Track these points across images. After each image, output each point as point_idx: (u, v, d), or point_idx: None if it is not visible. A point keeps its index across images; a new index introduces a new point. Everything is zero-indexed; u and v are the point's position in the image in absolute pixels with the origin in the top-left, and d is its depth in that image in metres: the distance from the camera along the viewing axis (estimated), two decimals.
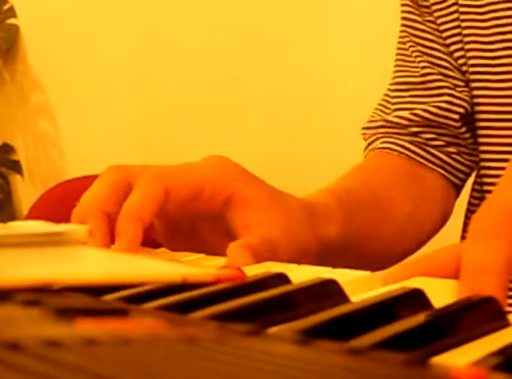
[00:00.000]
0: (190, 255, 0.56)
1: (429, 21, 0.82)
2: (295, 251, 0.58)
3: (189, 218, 0.59)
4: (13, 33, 2.52)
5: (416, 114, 0.80)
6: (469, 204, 0.83)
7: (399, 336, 0.30)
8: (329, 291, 0.38)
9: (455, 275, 0.42)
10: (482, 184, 0.79)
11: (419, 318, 0.33)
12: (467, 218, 0.83)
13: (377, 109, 0.84)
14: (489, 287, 0.40)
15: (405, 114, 0.80)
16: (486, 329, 0.33)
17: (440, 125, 0.80)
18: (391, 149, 0.80)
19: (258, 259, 0.53)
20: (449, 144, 0.80)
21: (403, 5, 0.84)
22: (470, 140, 0.81)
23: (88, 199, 0.58)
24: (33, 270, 0.41)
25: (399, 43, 0.85)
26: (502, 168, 0.76)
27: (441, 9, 0.80)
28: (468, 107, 0.79)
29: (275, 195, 0.60)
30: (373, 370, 0.23)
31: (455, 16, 0.79)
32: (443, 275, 0.42)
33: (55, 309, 0.29)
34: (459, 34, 0.79)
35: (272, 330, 0.31)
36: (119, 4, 2.33)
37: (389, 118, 0.82)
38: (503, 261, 0.41)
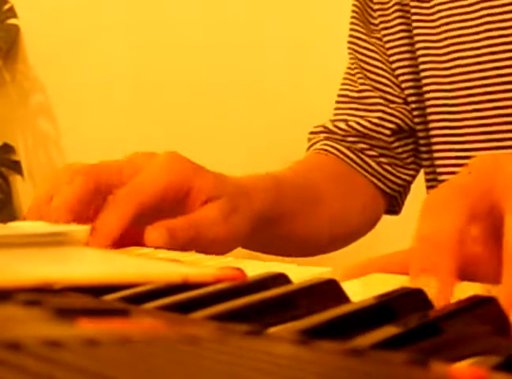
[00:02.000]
0: (190, 255, 0.56)
1: (375, 38, 0.85)
2: (227, 231, 0.64)
3: (154, 211, 0.63)
4: (13, 33, 2.52)
5: (350, 126, 0.84)
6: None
7: (399, 336, 0.30)
8: (329, 291, 0.38)
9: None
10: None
11: (419, 318, 0.33)
12: None
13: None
14: (439, 257, 0.38)
15: (341, 124, 0.85)
16: (486, 329, 0.34)
17: (372, 138, 0.84)
18: (329, 151, 0.85)
19: (175, 238, 0.59)
20: (381, 155, 0.84)
21: (351, 22, 0.88)
22: (404, 155, 0.85)
23: (61, 200, 0.62)
24: (33, 270, 0.41)
25: (348, 58, 0.89)
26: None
27: (388, 28, 0.84)
28: (402, 123, 0.83)
29: (220, 184, 0.66)
30: (373, 370, 0.23)
31: (403, 34, 0.83)
32: (399, 273, 0.42)
33: (56, 309, 0.29)
34: (407, 51, 0.83)
35: (272, 330, 0.31)
36: (119, 4, 2.33)
37: (328, 125, 0.87)
38: (455, 233, 0.40)
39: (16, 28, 2.52)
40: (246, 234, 0.66)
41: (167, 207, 0.63)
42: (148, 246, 0.60)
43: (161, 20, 2.25)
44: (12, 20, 2.51)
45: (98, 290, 0.37)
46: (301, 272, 0.44)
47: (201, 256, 0.56)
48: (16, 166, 2.59)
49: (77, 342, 0.24)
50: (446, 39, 0.78)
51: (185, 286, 0.38)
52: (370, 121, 0.83)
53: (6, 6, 2.51)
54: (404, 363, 0.23)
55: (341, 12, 1.84)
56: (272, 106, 2.02)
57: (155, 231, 0.60)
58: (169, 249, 0.59)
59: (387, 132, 0.83)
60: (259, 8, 2.07)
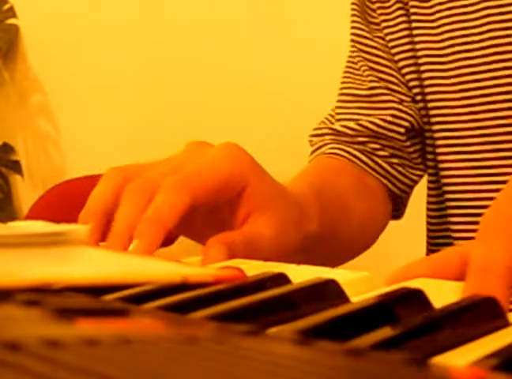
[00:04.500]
0: (190, 256, 0.56)
1: (378, 37, 0.84)
2: (281, 249, 0.60)
3: (206, 206, 0.59)
4: (13, 33, 2.52)
5: (361, 125, 0.82)
6: (428, 209, 0.85)
7: (399, 336, 0.30)
8: (329, 291, 0.38)
9: (459, 275, 0.42)
10: (442, 188, 0.81)
11: (419, 318, 0.33)
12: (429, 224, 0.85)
13: (323, 120, 0.87)
14: (493, 286, 0.40)
15: (351, 124, 0.82)
16: (486, 329, 0.33)
17: (385, 138, 0.82)
18: (340, 155, 0.82)
19: (233, 255, 0.54)
20: (393, 155, 0.82)
21: (353, 21, 0.86)
22: (414, 155, 0.83)
23: (95, 201, 0.58)
24: (33, 270, 0.41)
25: (348, 56, 0.87)
26: (463, 175, 0.77)
27: (390, 27, 0.83)
28: (414, 122, 0.81)
29: (277, 192, 0.61)
30: (373, 370, 0.23)
31: (405, 33, 0.81)
32: (447, 275, 0.43)
33: (55, 309, 0.29)
34: (410, 50, 0.81)
35: (272, 330, 0.31)
36: (119, 4, 2.33)
37: (335, 126, 0.83)
38: (508, 261, 0.41)
39: (15, 28, 2.52)
40: (294, 250, 0.62)
41: (219, 204, 0.58)
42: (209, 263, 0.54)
43: (162, 20, 2.25)
44: (11, 20, 2.51)
45: (98, 290, 0.37)
46: (301, 272, 0.44)
47: (201, 256, 0.56)
48: (16, 166, 2.59)
49: (77, 342, 0.24)
50: (447, 39, 0.78)
51: (185, 286, 0.38)
52: (383, 120, 0.81)
53: (6, 6, 2.51)
54: (404, 363, 0.23)
55: (341, 11, 1.84)
56: (273, 106, 2.02)
57: (213, 249, 0.54)
58: None
59: (401, 130, 0.81)
60: (259, 8, 2.07)
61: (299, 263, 0.73)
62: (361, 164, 0.82)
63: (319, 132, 0.85)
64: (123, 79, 2.33)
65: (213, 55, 2.14)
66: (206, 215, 0.60)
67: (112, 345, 0.25)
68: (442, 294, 0.38)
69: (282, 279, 0.41)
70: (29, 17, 2.51)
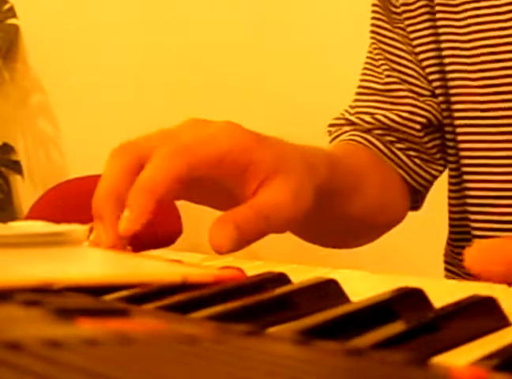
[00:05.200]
0: (190, 255, 0.56)
1: (399, 28, 0.82)
2: (299, 209, 0.57)
3: (209, 181, 0.57)
4: (13, 33, 2.52)
5: (376, 119, 0.80)
6: (450, 205, 0.84)
7: (399, 336, 0.30)
8: (329, 291, 0.38)
9: None
10: (462, 184, 0.80)
11: (419, 318, 0.33)
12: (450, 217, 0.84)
13: (342, 112, 0.85)
14: None
15: (367, 117, 0.81)
16: (486, 329, 0.33)
17: (401, 132, 0.80)
18: (358, 142, 0.80)
19: (245, 237, 0.52)
20: (410, 148, 0.81)
21: (373, 11, 0.84)
22: (433, 150, 0.81)
23: (104, 187, 0.55)
24: (33, 270, 0.41)
25: (369, 47, 0.85)
26: (485, 173, 0.77)
27: (411, 17, 0.80)
28: (432, 117, 0.80)
29: (283, 157, 0.58)
30: (373, 370, 0.23)
31: (427, 24, 0.79)
32: None
33: (56, 309, 0.29)
34: (432, 42, 0.79)
35: (272, 330, 0.31)
36: (119, 4, 2.33)
37: (351, 118, 0.82)
38: None
39: (15, 28, 2.52)
40: (311, 209, 0.59)
41: (222, 179, 0.56)
42: (216, 249, 0.51)
43: (162, 20, 2.25)
44: (11, 20, 2.51)
45: (98, 291, 0.37)
46: (301, 272, 0.44)
47: (202, 256, 0.56)
48: (16, 167, 2.59)
49: (77, 342, 0.24)
50: (473, 32, 0.76)
51: (185, 286, 0.38)
52: (399, 115, 0.79)
53: (6, 6, 2.51)
54: (403, 363, 0.23)
55: (340, 11, 1.84)
56: (273, 106, 2.02)
57: (220, 231, 0.51)
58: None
59: (417, 126, 0.79)
60: (259, 9, 2.07)
61: (311, 232, 0.71)
62: (380, 153, 0.80)
63: (337, 122, 0.84)
64: (123, 79, 2.33)
65: (213, 55, 2.14)
66: (212, 188, 0.58)
67: (112, 345, 0.25)
68: (442, 294, 0.38)
69: (282, 279, 0.41)
70: (29, 17, 2.51)
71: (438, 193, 0.87)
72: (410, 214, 0.84)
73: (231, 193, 0.57)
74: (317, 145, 0.68)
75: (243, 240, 0.52)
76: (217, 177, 0.55)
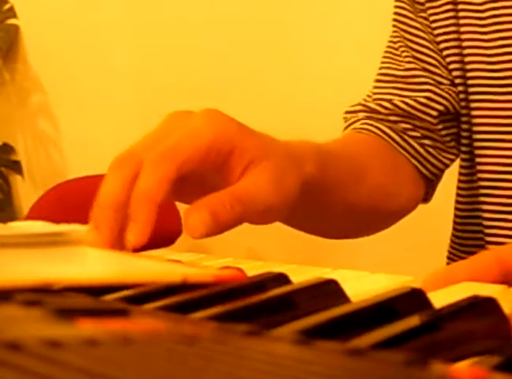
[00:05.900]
0: (190, 255, 0.56)
1: (421, 17, 0.83)
2: (280, 195, 0.57)
3: (195, 175, 0.57)
4: (13, 33, 2.52)
5: (394, 104, 0.81)
6: (457, 195, 0.84)
7: (399, 336, 0.30)
8: (329, 291, 0.38)
9: (500, 280, 0.41)
10: (476, 175, 0.80)
11: (419, 318, 0.33)
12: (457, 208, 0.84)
13: (359, 100, 0.86)
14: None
15: (384, 103, 0.82)
16: (486, 329, 0.33)
17: (418, 119, 0.81)
18: (370, 131, 0.81)
19: (220, 218, 0.52)
20: (424, 136, 0.81)
21: (396, 0, 0.84)
22: (447, 138, 0.82)
23: (105, 196, 0.55)
24: (33, 270, 0.41)
25: (390, 36, 0.86)
26: (500, 164, 0.77)
27: (434, 7, 0.81)
28: (449, 105, 0.80)
29: (267, 144, 0.59)
30: (373, 370, 0.23)
31: (450, 14, 0.80)
32: (487, 281, 0.41)
33: (56, 309, 0.29)
34: (453, 32, 0.80)
35: (272, 330, 0.31)
36: (119, 4, 2.33)
37: (369, 104, 0.83)
38: None
39: (15, 28, 2.52)
40: (296, 199, 0.59)
41: (208, 172, 0.56)
42: (189, 233, 0.52)
43: (162, 20, 2.25)
44: (11, 20, 2.51)
45: (98, 291, 0.37)
46: (301, 272, 0.44)
47: (202, 256, 0.56)
48: (16, 167, 2.59)
49: (77, 342, 0.24)
50: (493, 24, 0.76)
51: (185, 286, 0.38)
52: (417, 101, 0.80)
53: (6, 6, 2.51)
54: (404, 363, 0.23)
55: (341, 11, 1.84)
56: (273, 106, 2.02)
57: (195, 215, 0.52)
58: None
59: (434, 113, 0.80)
60: (259, 8, 2.07)
61: (301, 220, 0.71)
62: (392, 142, 0.81)
63: (353, 108, 0.84)
64: (123, 79, 2.33)
65: (213, 55, 2.14)
66: (199, 183, 0.58)
67: (112, 345, 0.25)
68: (442, 294, 0.38)
69: (282, 279, 0.41)
70: (29, 17, 2.51)
71: (441, 194, 0.87)
72: (411, 214, 0.85)
73: (218, 187, 0.57)
74: (307, 139, 0.68)
75: (218, 225, 0.52)
76: (205, 170, 0.56)
